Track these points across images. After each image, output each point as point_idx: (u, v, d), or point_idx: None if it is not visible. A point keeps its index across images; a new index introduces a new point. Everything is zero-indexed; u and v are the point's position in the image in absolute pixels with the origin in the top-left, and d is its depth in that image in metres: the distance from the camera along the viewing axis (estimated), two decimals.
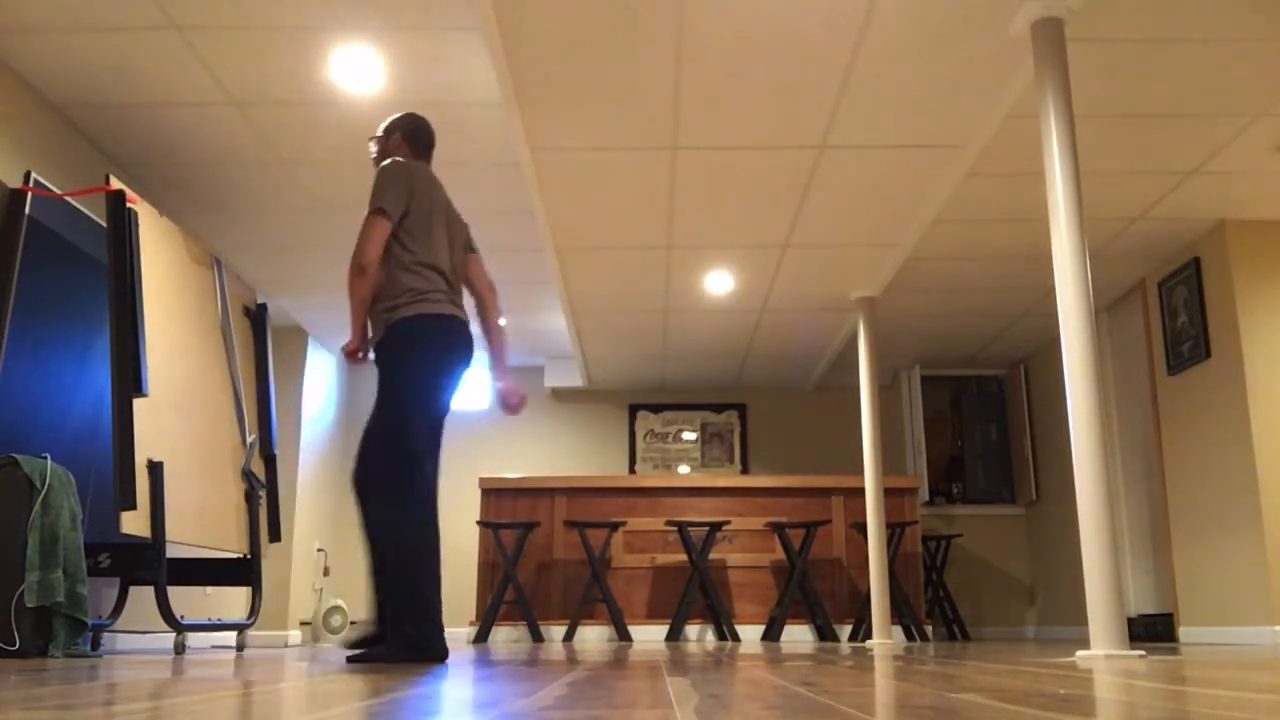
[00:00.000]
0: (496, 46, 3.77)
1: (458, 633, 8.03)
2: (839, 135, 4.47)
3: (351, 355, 3.09)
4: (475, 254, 3.43)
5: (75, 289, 4.56)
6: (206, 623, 4.65)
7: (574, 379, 8.50)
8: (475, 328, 6.60)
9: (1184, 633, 5.80)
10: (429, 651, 2.88)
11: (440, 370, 3.10)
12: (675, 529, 6.65)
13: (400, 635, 2.87)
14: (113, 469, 3.90)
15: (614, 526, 6.41)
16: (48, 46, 4.00)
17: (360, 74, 4.17)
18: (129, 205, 4.14)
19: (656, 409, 8.82)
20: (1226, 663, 2.60)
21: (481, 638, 6.19)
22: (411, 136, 3.37)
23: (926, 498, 8.23)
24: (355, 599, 8.09)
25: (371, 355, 3.15)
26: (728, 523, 6.48)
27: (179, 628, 4.19)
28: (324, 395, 7.91)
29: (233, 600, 6.59)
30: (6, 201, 4.11)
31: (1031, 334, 7.60)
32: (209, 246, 5.82)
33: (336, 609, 7.23)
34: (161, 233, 4.47)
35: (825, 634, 6.35)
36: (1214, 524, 5.54)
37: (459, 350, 3.16)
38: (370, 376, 8.58)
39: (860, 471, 8.03)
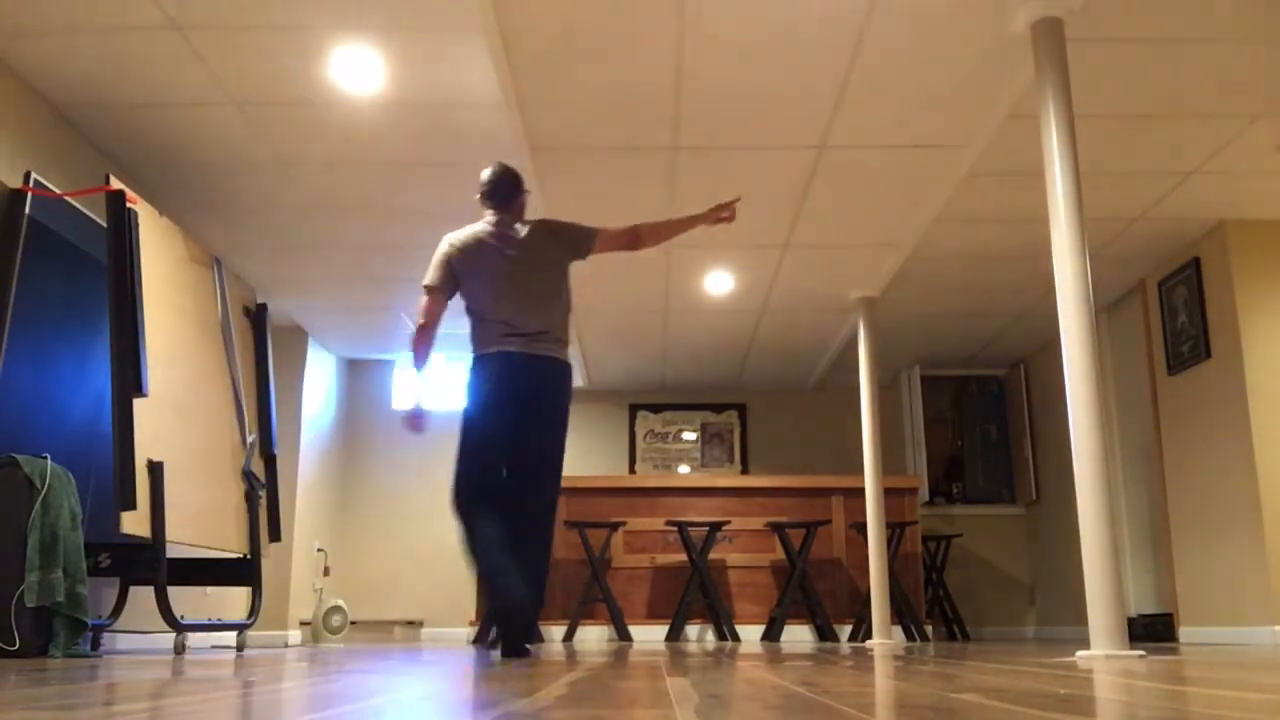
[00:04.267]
0: (496, 46, 3.77)
1: (458, 633, 8.03)
2: (839, 135, 4.47)
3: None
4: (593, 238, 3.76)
5: (75, 289, 4.56)
6: (206, 623, 4.65)
7: (574, 379, 8.50)
8: None
9: (1184, 633, 5.80)
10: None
11: (483, 404, 3.63)
12: (675, 529, 6.65)
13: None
14: (113, 469, 3.90)
15: (614, 526, 6.41)
16: (48, 47, 4.00)
17: (360, 74, 4.17)
18: (129, 205, 4.14)
19: (656, 409, 8.82)
20: (1226, 663, 2.60)
21: (481, 638, 6.19)
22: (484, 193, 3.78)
23: (926, 498, 8.22)
24: (355, 599, 8.09)
25: None
26: (728, 523, 6.48)
27: (179, 628, 4.19)
28: (324, 395, 7.91)
29: (233, 600, 6.59)
30: (6, 201, 4.11)
31: (1031, 334, 7.59)
32: (209, 246, 5.82)
33: (336, 609, 7.23)
34: (161, 233, 4.47)
35: (825, 634, 6.35)
36: (1214, 524, 5.54)
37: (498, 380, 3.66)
38: (369, 377, 8.58)
39: (860, 471, 8.02)
